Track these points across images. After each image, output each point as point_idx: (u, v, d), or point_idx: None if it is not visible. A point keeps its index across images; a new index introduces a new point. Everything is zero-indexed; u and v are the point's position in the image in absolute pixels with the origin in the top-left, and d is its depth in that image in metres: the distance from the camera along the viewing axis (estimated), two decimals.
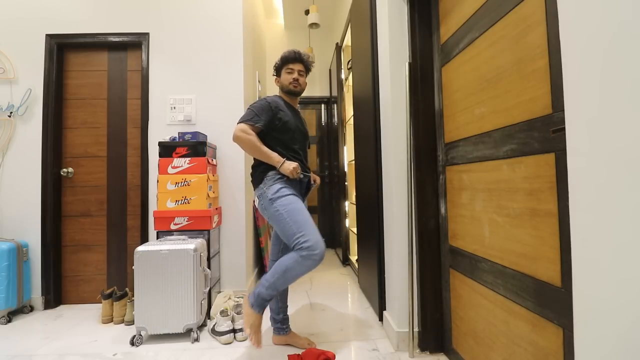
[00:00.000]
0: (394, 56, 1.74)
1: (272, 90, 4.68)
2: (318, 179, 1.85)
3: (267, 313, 1.74)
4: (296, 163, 1.64)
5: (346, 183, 3.73)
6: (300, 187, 1.73)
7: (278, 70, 1.83)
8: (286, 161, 1.62)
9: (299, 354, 1.63)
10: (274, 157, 1.62)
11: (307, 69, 1.84)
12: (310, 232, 1.50)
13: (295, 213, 1.54)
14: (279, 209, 1.56)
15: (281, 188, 1.61)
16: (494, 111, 1.19)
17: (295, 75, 1.77)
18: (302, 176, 1.68)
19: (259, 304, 1.54)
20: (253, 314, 1.54)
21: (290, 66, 1.78)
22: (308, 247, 1.46)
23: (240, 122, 1.66)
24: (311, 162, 4.46)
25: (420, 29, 1.68)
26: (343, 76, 3.67)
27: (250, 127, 1.64)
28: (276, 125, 1.69)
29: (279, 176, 1.64)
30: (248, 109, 1.70)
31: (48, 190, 2.42)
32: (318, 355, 1.58)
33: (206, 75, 2.53)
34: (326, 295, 2.62)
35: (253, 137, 1.63)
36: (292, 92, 1.79)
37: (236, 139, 1.64)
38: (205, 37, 2.55)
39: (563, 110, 0.76)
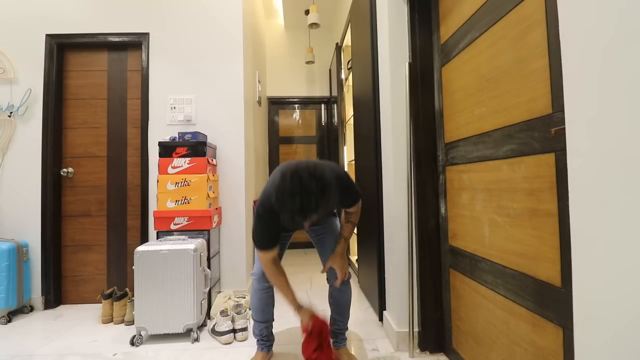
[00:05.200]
0: (394, 56, 1.74)
1: (273, 89, 4.70)
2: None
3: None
4: (309, 315, 1.41)
5: None
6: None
7: None
8: (301, 309, 1.44)
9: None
10: (291, 302, 1.45)
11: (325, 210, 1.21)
12: (256, 261, 1.56)
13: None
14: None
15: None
16: (494, 111, 1.19)
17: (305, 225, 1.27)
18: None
19: (257, 342, 1.64)
20: (255, 352, 1.64)
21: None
22: (253, 273, 1.58)
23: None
24: None
25: (420, 29, 1.68)
26: (343, 76, 3.67)
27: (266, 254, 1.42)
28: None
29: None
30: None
31: (48, 190, 2.42)
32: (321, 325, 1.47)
33: (206, 75, 2.53)
34: (326, 295, 2.61)
35: (278, 279, 1.44)
36: None
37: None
38: (205, 37, 2.55)
39: (563, 110, 0.76)
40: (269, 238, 1.37)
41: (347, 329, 1.66)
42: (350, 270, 1.63)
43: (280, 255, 1.53)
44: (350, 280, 1.63)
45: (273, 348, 1.68)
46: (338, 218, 1.67)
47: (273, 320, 1.66)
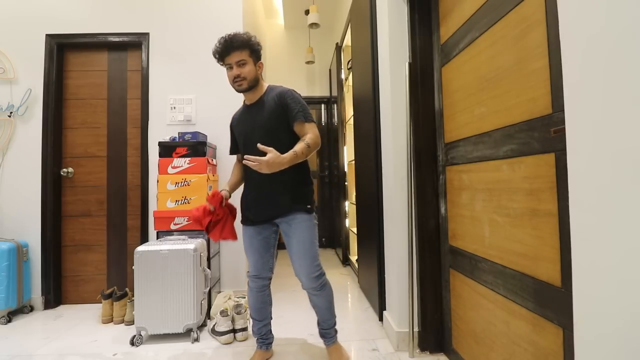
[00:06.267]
0: (394, 56, 1.74)
1: None
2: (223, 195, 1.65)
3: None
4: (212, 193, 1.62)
5: (346, 183, 3.73)
6: (256, 210, 1.62)
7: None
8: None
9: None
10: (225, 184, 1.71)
11: (251, 50, 1.48)
12: (249, 260, 1.65)
13: (244, 244, 1.68)
14: None
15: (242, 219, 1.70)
16: (494, 111, 1.19)
17: (234, 70, 1.47)
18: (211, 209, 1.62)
19: (256, 340, 1.65)
20: (255, 351, 1.66)
21: (227, 61, 1.49)
22: (248, 272, 1.66)
23: None
24: (311, 162, 4.43)
25: (420, 29, 1.68)
26: (343, 76, 3.67)
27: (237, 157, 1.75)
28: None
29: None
30: None
31: (48, 190, 2.42)
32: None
33: (206, 75, 2.53)
34: None
35: (233, 172, 1.75)
36: (239, 91, 1.53)
37: None
38: (206, 37, 2.54)
39: (563, 110, 0.76)
40: (231, 146, 1.72)
41: (333, 326, 1.61)
42: (323, 267, 1.58)
43: (273, 255, 1.67)
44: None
45: (273, 347, 1.68)
46: (314, 233, 1.55)
47: (271, 319, 1.66)
